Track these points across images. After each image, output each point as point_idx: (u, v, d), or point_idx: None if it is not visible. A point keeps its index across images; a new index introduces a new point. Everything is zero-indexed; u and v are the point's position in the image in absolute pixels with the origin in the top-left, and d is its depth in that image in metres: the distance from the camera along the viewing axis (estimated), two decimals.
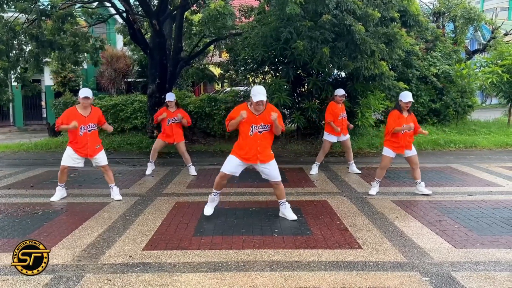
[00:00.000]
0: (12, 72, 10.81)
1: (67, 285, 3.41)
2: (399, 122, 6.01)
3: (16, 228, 4.83)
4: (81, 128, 5.94)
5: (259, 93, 4.77)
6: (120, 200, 6.07)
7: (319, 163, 7.99)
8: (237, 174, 5.14)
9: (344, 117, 7.82)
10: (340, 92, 7.76)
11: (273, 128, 4.95)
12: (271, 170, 5.04)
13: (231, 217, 5.19)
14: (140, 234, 4.62)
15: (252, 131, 4.92)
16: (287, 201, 5.20)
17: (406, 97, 6.04)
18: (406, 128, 5.97)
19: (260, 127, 4.92)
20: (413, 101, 6.09)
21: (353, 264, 3.80)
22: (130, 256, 3.98)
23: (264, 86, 10.42)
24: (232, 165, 5.04)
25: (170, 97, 7.73)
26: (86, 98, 5.93)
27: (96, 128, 6.12)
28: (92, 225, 4.95)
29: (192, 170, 7.89)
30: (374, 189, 6.41)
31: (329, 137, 7.82)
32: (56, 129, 6.28)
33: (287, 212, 5.13)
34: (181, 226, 4.89)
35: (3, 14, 9.79)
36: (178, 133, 7.71)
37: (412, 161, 6.24)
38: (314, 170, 7.94)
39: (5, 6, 9.27)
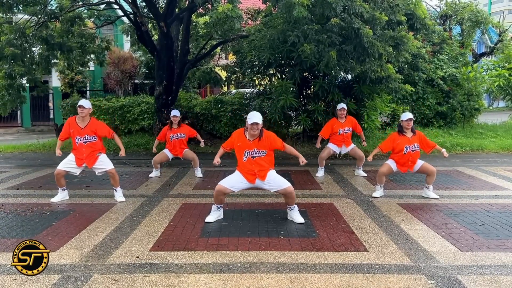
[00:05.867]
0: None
1: (75, 285, 3.45)
2: (398, 144, 6.12)
3: (25, 228, 4.88)
4: (76, 138, 5.95)
5: (254, 116, 4.82)
6: (123, 202, 6.09)
7: (323, 167, 8.01)
8: (236, 191, 5.10)
9: (346, 132, 7.74)
10: (339, 106, 7.79)
11: (268, 155, 4.98)
12: (272, 182, 4.99)
13: (237, 219, 5.21)
14: (147, 235, 4.66)
15: (245, 157, 4.95)
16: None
17: (405, 115, 6.11)
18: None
19: (253, 152, 4.93)
20: (413, 118, 6.16)
21: (359, 267, 3.81)
22: (137, 257, 4.02)
23: (271, 88, 10.54)
24: (233, 180, 5.02)
25: (175, 113, 7.75)
26: (80, 106, 5.89)
27: (94, 139, 6.02)
28: (100, 225, 5.00)
29: (199, 173, 7.92)
30: (378, 192, 6.42)
31: (331, 146, 7.86)
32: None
33: (295, 215, 5.13)
34: (188, 227, 4.92)
35: (12, 17, 9.85)
36: (181, 149, 7.75)
37: (423, 171, 6.26)
38: (320, 172, 7.96)
39: (14, 9, 9.33)
